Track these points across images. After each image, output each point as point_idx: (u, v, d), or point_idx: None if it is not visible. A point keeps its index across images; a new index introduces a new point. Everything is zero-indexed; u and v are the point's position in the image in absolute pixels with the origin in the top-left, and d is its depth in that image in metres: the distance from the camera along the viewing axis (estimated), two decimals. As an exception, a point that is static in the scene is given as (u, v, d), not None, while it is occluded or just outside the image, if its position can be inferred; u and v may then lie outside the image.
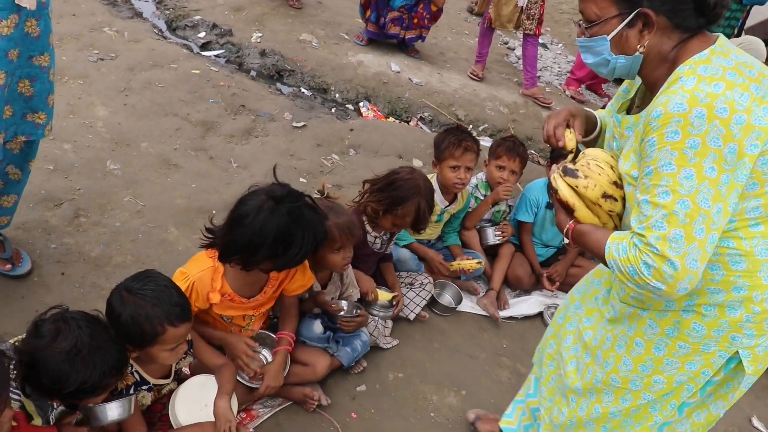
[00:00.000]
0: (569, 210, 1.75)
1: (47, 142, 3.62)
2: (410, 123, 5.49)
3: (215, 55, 5.62)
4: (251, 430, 2.47)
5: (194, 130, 4.32)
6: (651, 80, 1.65)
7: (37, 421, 1.86)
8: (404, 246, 3.50)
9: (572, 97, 6.70)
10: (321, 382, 2.75)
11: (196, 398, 2.21)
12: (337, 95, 5.59)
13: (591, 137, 1.97)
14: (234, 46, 5.81)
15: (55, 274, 2.93)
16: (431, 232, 3.60)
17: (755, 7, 6.08)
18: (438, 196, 3.40)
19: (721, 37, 1.59)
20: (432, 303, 3.43)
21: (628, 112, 1.83)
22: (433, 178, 3.44)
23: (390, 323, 3.17)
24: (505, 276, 3.71)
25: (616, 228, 1.77)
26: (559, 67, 7.66)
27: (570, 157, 1.83)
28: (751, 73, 1.49)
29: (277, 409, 2.63)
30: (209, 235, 2.32)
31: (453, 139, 3.35)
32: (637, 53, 1.61)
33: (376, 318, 3.05)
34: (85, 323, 1.85)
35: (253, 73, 5.56)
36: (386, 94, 5.72)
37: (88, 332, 1.82)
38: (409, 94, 5.79)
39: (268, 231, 2.11)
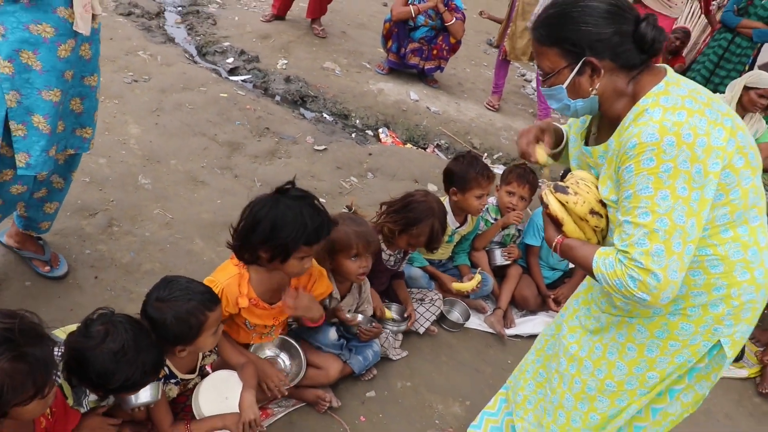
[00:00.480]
0: (558, 224, 1.90)
1: (84, 156, 3.84)
2: (427, 150, 5.69)
3: (242, 80, 5.90)
4: (265, 428, 2.65)
5: (221, 149, 4.55)
6: (613, 114, 1.81)
7: (69, 401, 2.06)
8: (418, 267, 3.68)
9: None
10: (333, 387, 2.92)
11: (218, 391, 2.39)
12: (357, 121, 5.82)
13: (558, 149, 2.15)
14: (260, 71, 6.08)
15: (88, 277, 3.14)
16: (442, 252, 3.77)
17: (766, 45, 6.26)
18: (450, 218, 3.58)
19: (668, 68, 1.77)
20: (441, 319, 3.60)
21: (587, 141, 2.02)
22: (445, 200, 3.62)
23: (400, 336, 3.33)
24: (513, 296, 3.87)
25: (600, 244, 1.92)
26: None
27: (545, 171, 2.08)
28: (702, 99, 1.68)
29: (291, 409, 2.80)
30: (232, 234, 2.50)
31: (480, 170, 3.50)
32: (592, 95, 1.78)
33: (388, 330, 3.22)
34: (130, 326, 2.04)
35: (278, 98, 5.81)
36: (405, 121, 5.95)
37: (132, 335, 2.02)
38: (426, 122, 6.01)
39: (263, 216, 2.31)
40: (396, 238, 3.14)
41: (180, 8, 7.20)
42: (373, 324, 3.03)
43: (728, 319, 1.83)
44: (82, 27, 2.50)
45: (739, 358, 4.40)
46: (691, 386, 2.00)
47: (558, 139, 2.15)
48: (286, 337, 2.81)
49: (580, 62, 1.74)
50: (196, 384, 2.43)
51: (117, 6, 6.49)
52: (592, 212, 1.86)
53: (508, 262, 3.93)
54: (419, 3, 6.07)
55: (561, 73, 1.78)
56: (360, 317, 3.01)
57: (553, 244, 1.93)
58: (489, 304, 3.89)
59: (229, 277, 2.47)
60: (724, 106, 1.72)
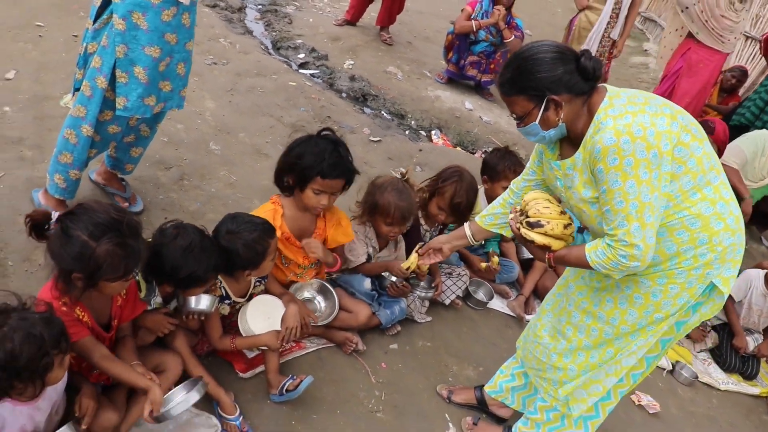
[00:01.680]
0: (546, 248, 2.31)
1: (165, 121, 4.33)
2: (475, 154, 6.05)
3: (311, 74, 6.37)
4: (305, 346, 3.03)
5: (284, 129, 5.00)
6: (576, 132, 2.19)
7: (141, 294, 2.50)
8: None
9: None
10: (360, 334, 3.28)
11: (262, 311, 2.77)
12: (412, 122, 6.22)
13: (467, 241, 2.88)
14: (328, 69, 6.55)
15: (159, 218, 3.58)
16: (474, 236, 4.11)
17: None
18: (483, 204, 3.93)
19: (607, 86, 2.17)
20: (467, 297, 3.94)
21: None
22: (481, 188, 3.97)
23: (427, 303, 3.68)
24: (536, 286, 4.18)
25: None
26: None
27: (517, 209, 2.42)
28: (639, 101, 2.08)
29: (321, 346, 3.18)
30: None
31: (509, 164, 3.89)
32: (560, 123, 2.17)
33: (416, 295, 3.57)
34: (196, 231, 2.49)
35: (343, 94, 6.25)
36: (457, 126, 6.32)
37: (198, 237, 2.47)
38: (477, 129, 6.38)
39: (294, 146, 2.90)
40: (429, 205, 3.52)
41: (260, 6, 7.77)
42: (403, 283, 3.39)
43: (716, 263, 2.20)
44: (184, -4, 2.97)
45: (753, 376, 4.59)
46: (680, 334, 2.45)
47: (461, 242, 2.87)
48: (324, 282, 3.19)
49: (544, 101, 2.12)
50: (242, 306, 2.83)
51: (204, -2, 7.07)
52: (565, 226, 2.29)
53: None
54: (481, 19, 6.46)
55: (531, 114, 2.17)
56: (393, 278, 3.38)
57: (546, 262, 2.35)
58: (513, 291, 4.21)
59: (266, 211, 2.94)
60: (660, 99, 2.13)
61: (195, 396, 2.30)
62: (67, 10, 5.62)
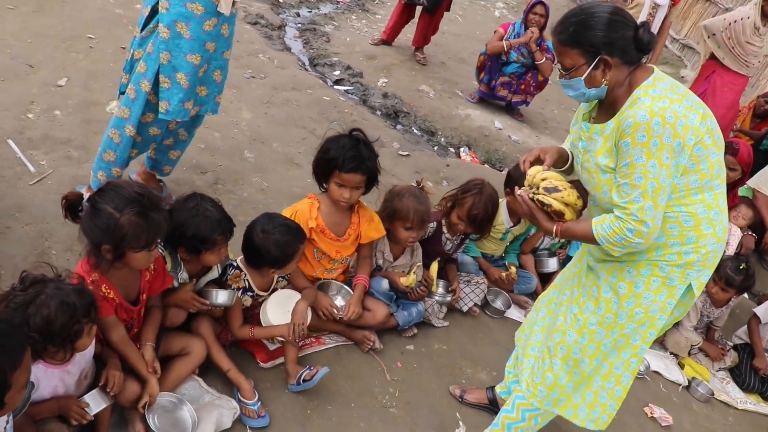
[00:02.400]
0: (560, 215, 2.34)
1: (202, 128, 4.57)
2: (501, 171, 6.17)
3: (345, 90, 6.60)
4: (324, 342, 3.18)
5: (317, 141, 5.12)
6: (611, 99, 2.27)
7: (168, 267, 2.71)
8: (471, 256, 4.17)
9: None
10: (378, 334, 3.42)
11: (281, 305, 2.94)
12: (442, 139, 6.37)
13: (566, 167, 2.59)
14: (362, 85, 6.76)
15: (194, 218, 3.79)
16: (495, 248, 4.25)
17: None
18: (504, 217, 4.06)
19: (654, 67, 2.24)
20: (485, 306, 4.05)
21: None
22: (503, 201, 4.10)
23: (444, 309, 3.80)
24: (553, 299, 4.28)
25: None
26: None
27: (528, 182, 2.42)
28: (680, 91, 2.17)
29: (340, 343, 3.33)
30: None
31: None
32: (603, 85, 2.24)
33: (434, 300, 3.70)
34: (206, 197, 2.74)
35: (378, 113, 6.43)
36: (485, 145, 6.46)
37: (210, 204, 2.71)
38: (506, 148, 6.51)
39: (324, 142, 3.11)
40: (450, 215, 3.66)
41: (300, 25, 8.06)
42: (421, 288, 3.53)
43: (697, 266, 2.31)
44: (224, 9, 3.19)
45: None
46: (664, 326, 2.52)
47: (561, 159, 2.56)
48: (344, 285, 3.35)
49: (596, 59, 2.19)
50: (264, 300, 3.00)
51: (246, 16, 7.38)
52: (578, 197, 2.35)
53: (557, 269, 4.35)
54: (513, 39, 6.61)
55: (580, 69, 2.23)
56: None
57: (554, 231, 2.36)
58: (531, 302, 4.30)
59: (303, 205, 3.15)
60: (697, 97, 2.22)
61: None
62: (117, 24, 5.94)
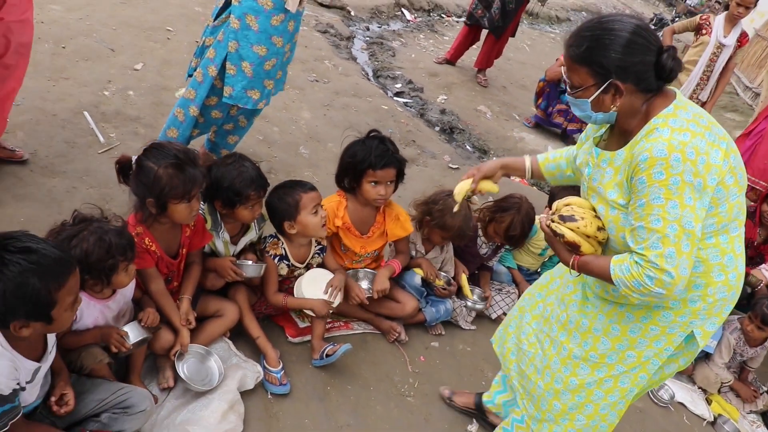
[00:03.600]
0: (575, 247, 2.11)
1: (262, 121, 4.85)
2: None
3: (404, 102, 6.79)
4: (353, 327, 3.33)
5: (370, 146, 5.39)
6: (626, 127, 2.04)
7: (208, 226, 2.90)
8: (507, 267, 4.27)
9: None
10: (405, 328, 3.54)
11: (315, 281, 3.10)
12: (494, 158, 6.48)
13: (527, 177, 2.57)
14: (421, 100, 6.95)
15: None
16: (533, 262, 4.33)
17: None
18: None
19: (677, 91, 2.02)
20: (514, 317, 4.13)
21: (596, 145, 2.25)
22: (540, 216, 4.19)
23: (473, 314, 3.90)
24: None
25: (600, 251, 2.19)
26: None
27: (553, 209, 2.25)
28: (703, 123, 1.92)
29: (367, 330, 3.47)
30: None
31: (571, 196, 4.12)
32: (612, 111, 2.01)
33: (467, 304, 3.80)
34: (245, 157, 2.94)
35: (435, 127, 6.60)
36: (536, 168, 6.53)
37: (248, 162, 2.90)
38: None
39: (349, 147, 3.24)
40: (487, 225, 3.77)
41: (368, 38, 8.33)
42: (450, 286, 3.65)
43: (702, 314, 2.12)
44: (291, 6, 3.41)
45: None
46: (665, 373, 2.35)
47: (516, 170, 2.56)
48: (371, 271, 3.48)
49: (606, 83, 1.94)
50: (300, 274, 3.18)
51: (316, 24, 7.68)
52: (599, 229, 2.11)
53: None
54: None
55: (588, 89, 1.99)
56: (443, 274, 3.65)
57: (570, 264, 2.15)
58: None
59: (331, 201, 3.30)
60: (721, 130, 1.97)
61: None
62: (195, 20, 6.30)
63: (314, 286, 3.07)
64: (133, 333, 2.40)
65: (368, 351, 3.36)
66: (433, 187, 5.19)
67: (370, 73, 7.31)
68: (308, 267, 3.22)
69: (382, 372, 3.27)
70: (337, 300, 3.07)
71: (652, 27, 10.42)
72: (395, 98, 6.81)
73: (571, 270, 2.18)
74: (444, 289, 3.62)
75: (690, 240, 1.88)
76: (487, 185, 2.55)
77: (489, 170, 2.54)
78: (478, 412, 3.18)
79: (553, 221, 2.17)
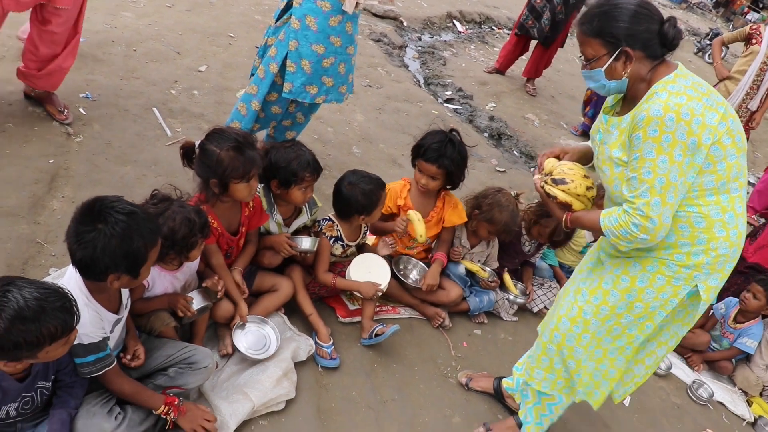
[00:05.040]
0: (567, 206, 2.39)
1: (317, 122, 5.09)
2: (595, 201, 6.31)
3: (454, 108, 6.96)
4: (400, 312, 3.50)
5: (419, 148, 5.57)
6: (633, 93, 2.26)
7: (264, 206, 3.11)
8: (549, 264, 4.39)
9: (747, 222, 6.98)
10: (449, 316, 3.70)
11: (365, 265, 3.29)
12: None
13: (590, 164, 2.62)
14: (471, 107, 7.11)
15: (299, 193, 4.23)
16: (574, 260, 4.43)
17: None
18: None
19: (679, 63, 2.22)
20: (556, 312, 4.24)
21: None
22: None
23: (515, 307, 4.03)
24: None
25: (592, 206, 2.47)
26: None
27: (545, 170, 2.52)
28: (702, 90, 2.13)
29: (414, 316, 3.64)
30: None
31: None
32: (624, 78, 2.22)
33: (507, 296, 3.94)
34: (305, 146, 3.14)
35: (483, 133, 6.75)
36: (583, 174, 6.62)
37: (306, 148, 3.11)
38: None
39: (428, 133, 3.49)
40: (531, 226, 3.91)
41: (420, 47, 8.54)
42: (494, 279, 3.79)
43: (706, 268, 2.26)
44: (348, 7, 3.62)
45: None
46: (676, 332, 2.52)
47: (585, 157, 2.65)
48: (420, 262, 3.67)
49: (618, 51, 2.17)
50: (352, 253, 3.39)
51: (371, 33, 7.94)
52: (588, 188, 2.40)
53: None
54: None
55: (601, 60, 2.21)
56: (488, 269, 3.80)
57: (563, 220, 2.44)
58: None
59: (397, 184, 3.53)
60: (720, 97, 2.16)
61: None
62: (255, 28, 6.62)
63: (363, 269, 3.26)
64: (197, 299, 2.62)
65: (414, 334, 3.52)
66: (481, 188, 5.35)
67: (422, 81, 7.51)
68: (359, 246, 3.43)
69: (426, 354, 3.43)
70: (384, 284, 3.25)
71: (707, 42, 10.50)
72: (445, 104, 6.99)
73: (564, 225, 2.47)
74: (491, 281, 3.77)
75: (674, 192, 2.10)
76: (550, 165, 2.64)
77: (575, 152, 2.69)
78: (497, 395, 3.26)
79: (546, 183, 2.45)
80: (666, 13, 2.29)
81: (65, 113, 3.92)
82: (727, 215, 2.22)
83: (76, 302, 1.91)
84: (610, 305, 2.43)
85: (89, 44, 4.92)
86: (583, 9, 6.30)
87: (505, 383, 3.19)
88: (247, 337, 2.89)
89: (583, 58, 2.29)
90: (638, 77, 2.22)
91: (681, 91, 2.09)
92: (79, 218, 1.98)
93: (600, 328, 2.49)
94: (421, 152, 3.39)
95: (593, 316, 2.48)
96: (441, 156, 3.37)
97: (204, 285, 2.70)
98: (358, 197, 3.18)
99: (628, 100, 2.32)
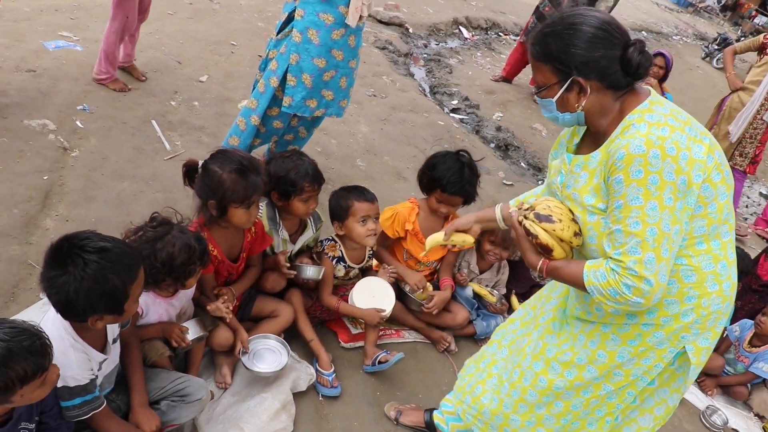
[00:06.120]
0: (547, 251, 1.95)
1: (320, 134, 4.98)
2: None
3: (460, 118, 6.85)
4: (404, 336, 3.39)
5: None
6: (600, 128, 1.91)
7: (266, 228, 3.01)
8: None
9: (759, 236, 6.84)
10: (455, 340, 3.58)
11: (369, 289, 3.16)
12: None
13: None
14: (477, 116, 6.99)
15: (301, 209, 4.12)
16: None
17: None
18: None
19: (651, 89, 1.90)
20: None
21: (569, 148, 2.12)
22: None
23: (524, 328, 3.91)
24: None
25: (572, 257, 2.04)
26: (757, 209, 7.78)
27: (525, 206, 2.07)
28: (682, 117, 1.80)
29: (418, 340, 3.51)
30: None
31: None
32: (578, 111, 1.88)
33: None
34: (307, 156, 3.05)
35: (490, 144, 6.64)
36: (591, 186, 6.49)
37: (307, 158, 3.02)
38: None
39: (437, 160, 3.29)
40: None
41: (425, 55, 8.43)
42: (502, 302, 3.67)
43: (695, 328, 1.94)
44: (351, 21, 3.52)
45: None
46: (664, 400, 2.15)
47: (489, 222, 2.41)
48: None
49: (568, 81, 1.84)
50: (355, 275, 3.28)
51: (376, 41, 7.83)
52: (575, 234, 1.94)
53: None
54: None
55: (551, 88, 1.88)
56: (496, 293, 3.68)
57: (539, 267, 1.98)
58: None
59: (404, 208, 3.40)
60: (702, 126, 1.84)
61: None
62: (258, 35, 6.52)
63: (367, 294, 3.14)
64: (192, 329, 2.51)
65: (418, 359, 3.40)
66: (488, 203, 5.23)
67: (427, 90, 7.40)
68: (363, 269, 3.31)
69: (430, 380, 3.30)
70: (388, 310, 3.13)
71: (715, 47, 10.36)
72: (451, 114, 6.88)
73: (538, 274, 2.01)
74: (499, 306, 3.65)
75: (669, 244, 1.74)
76: (459, 237, 2.48)
77: (462, 225, 2.45)
78: (429, 430, 2.89)
79: (527, 218, 2.00)
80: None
81: None
82: (720, 265, 1.89)
83: (48, 340, 1.79)
84: (586, 380, 2.11)
85: (87, 54, 4.83)
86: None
87: (437, 420, 2.82)
88: (255, 357, 2.80)
89: (535, 84, 1.98)
90: (600, 110, 1.88)
91: (662, 122, 1.75)
92: (49, 261, 1.86)
93: (574, 399, 2.17)
94: (441, 185, 3.26)
95: (565, 389, 2.16)
96: (463, 185, 3.28)
97: (208, 307, 2.60)
98: (331, 201, 3.16)
99: (592, 135, 1.99)
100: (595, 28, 1.79)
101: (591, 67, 1.81)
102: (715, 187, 1.79)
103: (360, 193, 3.13)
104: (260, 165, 2.69)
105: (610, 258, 1.78)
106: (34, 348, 1.73)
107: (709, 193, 1.79)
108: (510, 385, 2.29)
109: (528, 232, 1.97)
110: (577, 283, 1.88)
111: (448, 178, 3.25)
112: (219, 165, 2.55)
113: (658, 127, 1.73)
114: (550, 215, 1.93)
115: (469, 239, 2.48)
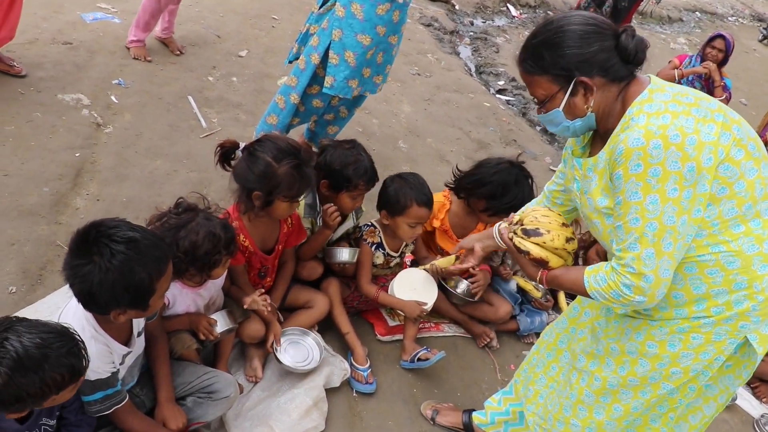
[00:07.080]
0: (543, 263, 1.95)
1: (363, 114, 4.80)
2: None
3: (506, 100, 6.59)
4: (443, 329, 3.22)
5: (471, 143, 5.25)
6: (606, 127, 1.83)
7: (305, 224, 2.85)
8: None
9: None
10: (497, 335, 3.40)
11: (410, 282, 2.99)
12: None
13: None
14: (524, 98, 6.72)
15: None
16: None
17: None
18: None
19: (652, 76, 1.80)
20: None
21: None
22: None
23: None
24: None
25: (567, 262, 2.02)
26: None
27: (515, 219, 2.07)
28: (688, 100, 1.68)
29: (458, 333, 3.34)
30: (456, 174, 3.20)
31: None
32: (589, 113, 1.80)
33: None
34: (365, 151, 2.92)
35: (536, 126, 6.39)
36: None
37: (366, 153, 2.89)
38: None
39: (496, 177, 2.98)
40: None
41: (471, 33, 8.16)
42: (547, 298, 3.47)
43: (755, 315, 1.79)
44: (400, -6, 3.31)
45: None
46: (727, 387, 2.01)
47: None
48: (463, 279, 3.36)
49: (572, 83, 1.76)
50: (396, 263, 3.13)
51: (421, 17, 7.58)
52: (567, 240, 1.94)
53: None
54: (686, 69, 6.31)
55: (555, 98, 1.80)
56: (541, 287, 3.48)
57: (538, 279, 2.00)
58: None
59: (436, 202, 3.12)
60: (715, 103, 1.72)
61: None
62: (299, 9, 6.34)
63: (407, 286, 2.97)
64: (221, 322, 2.37)
65: (458, 355, 3.23)
66: (536, 190, 5.01)
67: (473, 69, 7.14)
68: (402, 255, 3.16)
69: (470, 378, 3.14)
70: (430, 304, 2.96)
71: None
72: (497, 95, 6.63)
73: (540, 286, 2.04)
74: (545, 301, 3.46)
75: (672, 237, 1.66)
76: (444, 262, 2.58)
77: (466, 245, 2.43)
78: (467, 431, 2.79)
79: (515, 234, 1.99)
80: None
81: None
82: (766, 245, 1.74)
83: (82, 342, 1.68)
84: (640, 376, 1.97)
85: (125, 26, 4.71)
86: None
87: (477, 420, 2.74)
88: (288, 351, 2.68)
89: (535, 101, 1.88)
90: (607, 108, 1.80)
91: (662, 110, 1.66)
92: (74, 248, 1.73)
93: (633, 401, 2.03)
94: (491, 207, 3.06)
95: (621, 387, 2.03)
96: (512, 208, 3.02)
97: (244, 301, 2.48)
98: (391, 191, 2.95)
99: (600, 136, 1.90)
100: (583, 25, 1.74)
101: (591, 63, 1.74)
102: (738, 165, 1.67)
103: (422, 194, 2.90)
104: (311, 155, 2.53)
105: (613, 257, 1.76)
106: (72, 352, 1.63)
107: (732, 173, 1.67)
108: (569, 387, 2.20)
109: (519, 250, 1.97)
110: (579, 290, 1.87)
111: (499, 206, 3.02)
112: (271, 155, 2.36)
113: (658, 116, 1.64)
114: (537, 228, 1.94)
115: (450, 260, 2.55)
